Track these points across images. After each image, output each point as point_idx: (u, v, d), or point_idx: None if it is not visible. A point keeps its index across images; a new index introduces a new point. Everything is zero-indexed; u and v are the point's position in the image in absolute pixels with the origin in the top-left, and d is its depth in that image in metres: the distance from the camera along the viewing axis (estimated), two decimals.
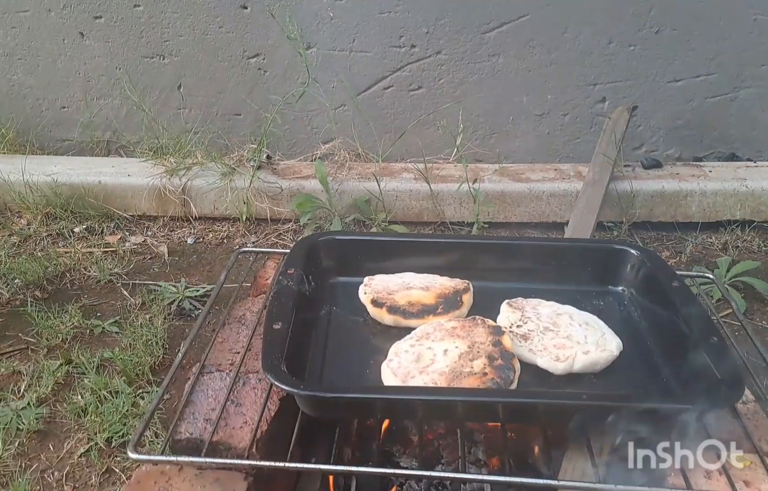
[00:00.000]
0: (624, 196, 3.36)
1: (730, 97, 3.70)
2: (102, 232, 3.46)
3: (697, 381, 1.45)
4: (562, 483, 1.45)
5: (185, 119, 3.89)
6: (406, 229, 3.39)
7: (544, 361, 1.60)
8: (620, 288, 1.93)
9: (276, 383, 1.41)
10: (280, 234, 3.47)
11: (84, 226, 3.47)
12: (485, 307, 1.82)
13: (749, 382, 1.65)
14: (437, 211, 3.50)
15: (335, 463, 1.58)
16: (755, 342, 1.74)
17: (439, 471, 1.74)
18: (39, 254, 3.18)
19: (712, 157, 3.81)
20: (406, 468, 1.75)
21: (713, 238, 3.38)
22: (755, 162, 3.69)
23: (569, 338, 1.65)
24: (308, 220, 3.38)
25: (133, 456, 1.37)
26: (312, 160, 3.77)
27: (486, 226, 3.43)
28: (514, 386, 1.51)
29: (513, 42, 3.65)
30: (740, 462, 1.39)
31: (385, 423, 1.81)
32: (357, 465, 1.63)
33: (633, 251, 1.93)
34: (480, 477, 1.55)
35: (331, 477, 1.74)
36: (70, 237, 3.38)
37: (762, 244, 3.30)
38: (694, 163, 3.70)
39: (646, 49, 3.61)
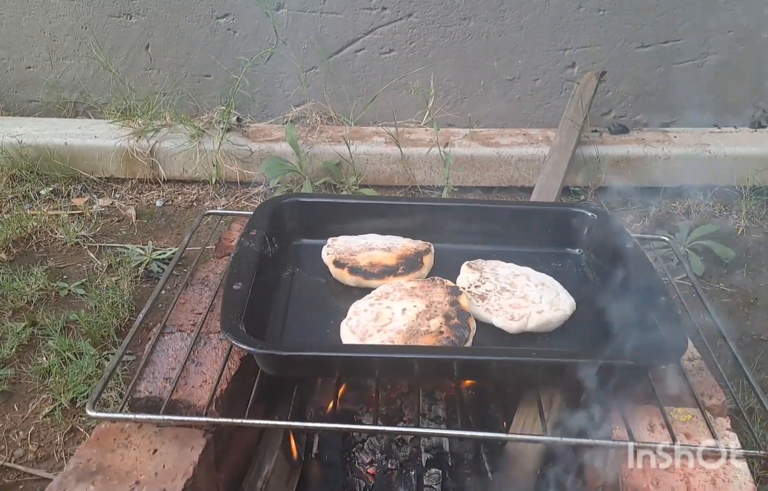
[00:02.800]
0: (590, 161, 3.40)
1: (697, 63, 3.73)
2: (69, 194, 3.43)
3: (645, 338, 1.50)
4: (511, 435, 1.50)
5: (153, 80, 3.85)
6: (377, 193, 3.40)
7: (499, 320, 1.64)
8: (577, 250, 1.97)
9: (234, 342, 1.43)
10: (251, 197, 3.47)
11: (50, 188, 3.44)
12: (446, 268, 1.86)
13: (699, 341, 1.70)
14: (408, 174, 3.52)
15: (294, 420, 1.62)
16: (705, 303, 1.79)
17: (398, 426, 1.78)
18: (5, 216, 3.15)
19: (679, 123, 3.85)
20: (366, 425, 1.79)
21: (676, 202, 3.44)
22: (719, 128, 3.75)
23: (525, 298, 1.69)
24: (278, 183, 3.39)
25: (92, 413, 1.39)
26: (283, 123, 3.75)
27: (456, 189, 3.46)
28: (468, 344, 1.54)
29: (484, 5, 3.65)
30: (683, 416, 1.44)
31: (342, 386, 1.84)
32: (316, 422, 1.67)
33: (590, 214, 1.97)
34: (436, 431, 1.59)
35: (292, 436, 1.78)
36: (36, 199, 3.36)
37: (723, 209, 3.37)
38: (661, 128, 3.75)
39: (615, 14, 3.62)
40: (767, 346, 2.49)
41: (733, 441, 1.38)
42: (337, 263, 1.83)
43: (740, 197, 3.35)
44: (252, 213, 2.00)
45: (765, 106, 3.83)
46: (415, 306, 1.64)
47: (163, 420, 1.42)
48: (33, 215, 3.18)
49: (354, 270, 1.81)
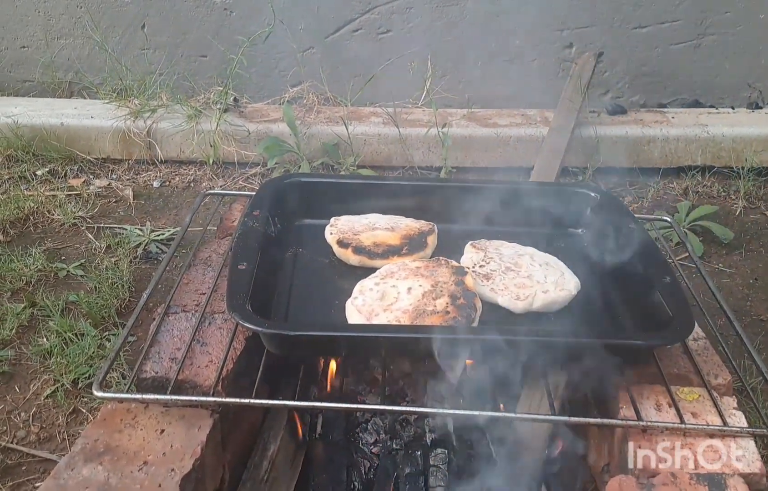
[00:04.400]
0: (588, 142, 3.39)
1: (695, 44, 3.73)
2: (65, 175, 3.40)
3: (650, 318, 1.50)
4: (518, 415, 1.51)
5: (149, 60, 3.81)
6: (375, 173, 3.39)
7: (504, 300, 1.64)
8: (580, 230, 1.98)
9: (241, 322, 1.43)
10: (248, 177, 3.45)
11: (47, 169, 3.41)
12: (450, 248, 1.86)
13: (703, 321, 1.71)
14: (406, 155, 3.50)
15: (300, 400, 1.62)
16: (708, 283, 1.80)
17: (402, 406, 1.79)
18: (1, 197, 3.12)
19: (676, 104, 3.85)
20: (371, 404, 1.79)
21: (674, 183, 3.44)
22: (717, 108, 3.75)
23: (529, 278, 1.69)
24: (276, 163, 3.37)
25: (98, 394, 1.39)
26: (280, 104, 3.72)
27: (454, 170, 3.44)
28: (475, 324, 1.55)
29: None
30: (689, 395, 1.45)
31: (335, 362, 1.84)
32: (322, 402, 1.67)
33: (593, 194, 1.97)
34: (442, 410, 1.60)
35: (297, 416, 1.78)
36: (33, 180, 3.32)
37: (721, 189, 3.37)
38: (658, 109, 3.74)
39: None
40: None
41: (740, 420, 1.39)
42: (341, 243, 1.83)
43: (738, 178, 3.35)
44: (253, 193, 2.00)
45: (761, 86, 3.83)
46: (420, 285, 1.63)
47: (171, 400, 1.42)
48: (30, 196, 3.15)
49: (358, 249, 1.81)
